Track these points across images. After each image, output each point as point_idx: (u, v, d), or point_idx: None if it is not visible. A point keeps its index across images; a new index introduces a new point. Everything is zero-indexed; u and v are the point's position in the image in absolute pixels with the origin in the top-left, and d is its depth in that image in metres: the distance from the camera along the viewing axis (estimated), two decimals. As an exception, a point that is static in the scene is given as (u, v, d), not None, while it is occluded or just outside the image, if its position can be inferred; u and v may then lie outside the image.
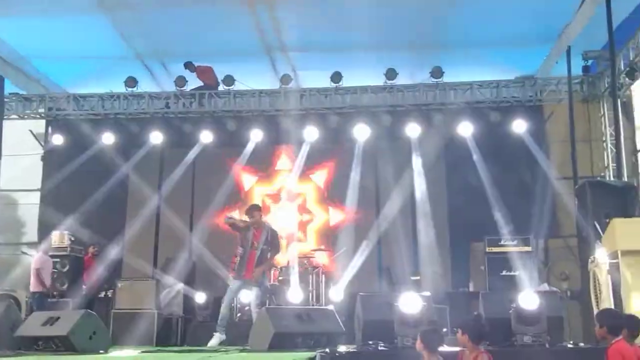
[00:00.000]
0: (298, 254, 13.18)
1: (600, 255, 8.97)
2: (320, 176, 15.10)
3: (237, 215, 11.13)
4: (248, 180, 15.32)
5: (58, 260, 12.51)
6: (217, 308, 12.39)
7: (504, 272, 11.46)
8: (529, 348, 7.97)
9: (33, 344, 8.41)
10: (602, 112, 13.88)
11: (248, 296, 11.67)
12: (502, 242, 11.81)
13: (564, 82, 13.37)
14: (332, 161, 15.01)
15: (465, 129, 13.73)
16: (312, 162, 14.81)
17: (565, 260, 12.34)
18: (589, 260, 9.60)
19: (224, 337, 9.66)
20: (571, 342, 8.94)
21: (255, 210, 10.22)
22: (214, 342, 9.63)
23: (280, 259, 13.75)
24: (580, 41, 12.20)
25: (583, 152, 13.50)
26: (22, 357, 7.58)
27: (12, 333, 8.80)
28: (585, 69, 13.43)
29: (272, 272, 12.45)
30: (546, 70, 13.85)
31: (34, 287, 11.58)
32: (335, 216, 14.85)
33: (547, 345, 8.05)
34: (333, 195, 14.86)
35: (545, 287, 11.00)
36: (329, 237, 14.60)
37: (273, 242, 10.09)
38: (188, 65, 14.01)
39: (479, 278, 12.13)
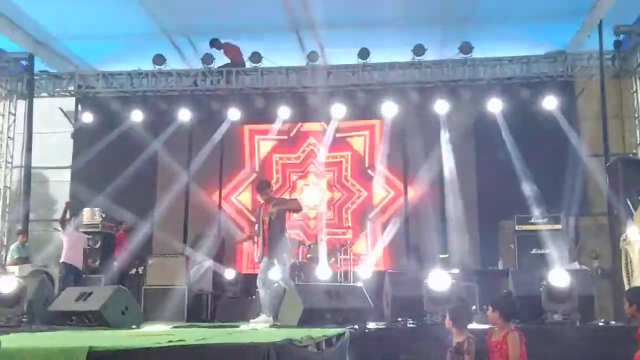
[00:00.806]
0: (326, 231, 13.20)
1: (632, 233, 8.90)
2: (340, 164, 15.10)
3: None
4: (264, 147, 15.45)
5: (90, 237, 12.66)
6: (246, 284, 12.60)
7: (533, 251, 11.37)
8: (559, 326, 7.94)
9: (67, 318, 8.56)
10: (634, 88, 13.65)
11: (276, 273, 11.80)
12: (532, 220, 11.70)
13: (596, 58, 13.13)
14: (348, 153, 15.03)
15: (495, 106, 13.58)
16: (337, 142, 14.80)
17: (596, 238, 12.24)
18: (621, 238, 9.52)
19: (269, 318, 9.21)
20: (602, 320, 8.90)
21: (268, 187, 9.91)
22: (256, 319, 9.37)
23: (309, 236, 13.90)
24: (611, 15, 12.00)
25: (614, 129, 13.34)
26: (56, 332, 7.69)
27: (45, 308, 8.97)
28: (617, 43, 13.17)
29: (300, 249, 12.52)
30: (577, 45, 13.64)
31: (62, 257, 11.77)
32: (364, 193, 14.82)
33: (577, 324, 8.03)
34: (349, 178, 14.90)
35: (575, 265, 10.92)
36: (358, 215, 14.61)
37: (279, 203, 9.74)
38: (214, 43, 14.00)
39: (508, 256, 12.05)
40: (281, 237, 9.54)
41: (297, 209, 10.25)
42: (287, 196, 14.58)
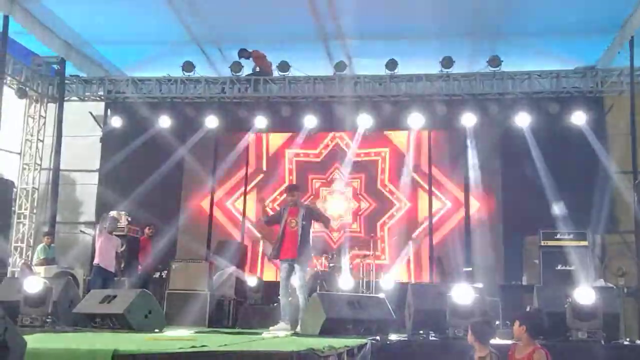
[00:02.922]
0: (349, 242, 13.17)
1: (660, 252, 8.76)
2: (374, 164, 15.01)
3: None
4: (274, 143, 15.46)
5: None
6: (268, 291, 12.61)
7: (559, 267, 11.27)
8: (584, 344, 7.83)
9: (90, 320, 8.63)
10: (665, 105, 13.46)
11: (296, 280, 11.78)
12: (557, 236, 11.60)
13: (626, 74, 13.00)
14: (385, 150, 14.93)
15: (523, 120, 13.51)
16: (364, 150, 14.77)
17: (623, 256, 12.06)
18: (648, 257, 9.40)
19: (287, 326, 9.36)
20: (627, 339, 8.78)
21: (295, 190, 9.99)
22: (275, 327, 9.44)
23: (331, 245, 13.87)
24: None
25: (644, 146, 13.16)
26: (79, 333, 7.76)
27: (70, 310, 9.05)
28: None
29: (322, 258, 12.52)
30: (608, 61, 13.53)
31: (95, 260, 11.83)
32: (390, 204, 14.76)
33: (602, 342, 7.91)
34: (386, 184, 14.80)
35: (601, 282, 10.79)
36: (381, 225, 14.57)
37: (313, 215, 9.76)
38: (242, 53, 14.09)
39: (533, 272, 11.94)
40: (309, 244, 9.65)
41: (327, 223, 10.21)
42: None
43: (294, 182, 14.87)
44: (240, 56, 14.13)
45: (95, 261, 11.73)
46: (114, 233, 12.16)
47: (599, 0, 11.54)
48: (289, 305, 9.61)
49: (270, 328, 9.40)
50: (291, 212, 9.63)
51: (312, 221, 9.80)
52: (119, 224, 12.72)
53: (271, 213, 10.28)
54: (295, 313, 9.43)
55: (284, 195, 10.24)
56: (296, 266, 9.49)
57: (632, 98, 12.61)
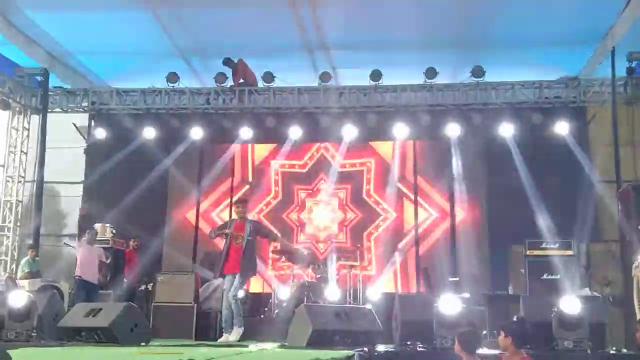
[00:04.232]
0: (336, 252, 13.17)
1: (644, 261, 8.84)
2: (359, 174, 15.00)
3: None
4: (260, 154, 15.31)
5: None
6: (255, 303, 12.59)
7: (544, 276, 11.33)
8: (570, 353, 7.87)
9: (76, 334, 8.56)
10: (646, 115, 13.62)
11: (285, 293, 11.78)
12: (543, 245, 11.67)
13: (608, 84, 13.12)
14: (370, 160, 14.94)
15: (506, 130, 13.61)
16: (350, 161, 14.77)
17: (608, 265, 12.15)
18: (633, 266, 9.48)
19: (240, 329, 9.77)
20: (614, 348, 8.82)
21: (243, 203, 10.49)
22: (221, 339, 9.76)
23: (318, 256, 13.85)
24: (625, 42, 12.00)
25: (627, 155, 13.27)
26: (65, 348, 7.70)
27: (55, 323, 8.97)
28: (630, 70, 13.16)
29: (309, 269, 12.50)
30: (590, 71, 13.66)
31: (76, 272, 11.71)
32: (375, 214, 14.75)
33: (588, 351, 7.95)
34: (372, 194, 14.81)
35: (586, 292, 10.86)
36: (367, 236, 14.56)
37: (260, 231, 10.22)
38: (227, 62, 14.08)
39: (519, 281, 11.99)
40: (254, 259, 10.10)
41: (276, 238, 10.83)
42: (295, 215, 14.70)
43: (280, 193, 14.89)
44: (225, 64, 14.10)
45: (77, 273, 11.60)
46: (95, 244, 12.04)
47: (582, 12, 11.63)
48: (232, 317, 9.82)
49: (227, 337, 9.67)
50: (237, 226, 9.98)
51: (258, 237, 10.19)
52: (103, 235, 12.64)
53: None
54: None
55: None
56: (237, 278, 9.80)
57: (613, 108, 12.73)
